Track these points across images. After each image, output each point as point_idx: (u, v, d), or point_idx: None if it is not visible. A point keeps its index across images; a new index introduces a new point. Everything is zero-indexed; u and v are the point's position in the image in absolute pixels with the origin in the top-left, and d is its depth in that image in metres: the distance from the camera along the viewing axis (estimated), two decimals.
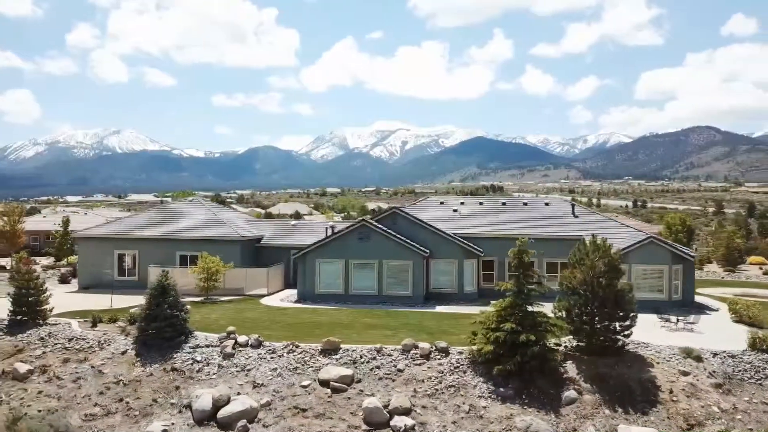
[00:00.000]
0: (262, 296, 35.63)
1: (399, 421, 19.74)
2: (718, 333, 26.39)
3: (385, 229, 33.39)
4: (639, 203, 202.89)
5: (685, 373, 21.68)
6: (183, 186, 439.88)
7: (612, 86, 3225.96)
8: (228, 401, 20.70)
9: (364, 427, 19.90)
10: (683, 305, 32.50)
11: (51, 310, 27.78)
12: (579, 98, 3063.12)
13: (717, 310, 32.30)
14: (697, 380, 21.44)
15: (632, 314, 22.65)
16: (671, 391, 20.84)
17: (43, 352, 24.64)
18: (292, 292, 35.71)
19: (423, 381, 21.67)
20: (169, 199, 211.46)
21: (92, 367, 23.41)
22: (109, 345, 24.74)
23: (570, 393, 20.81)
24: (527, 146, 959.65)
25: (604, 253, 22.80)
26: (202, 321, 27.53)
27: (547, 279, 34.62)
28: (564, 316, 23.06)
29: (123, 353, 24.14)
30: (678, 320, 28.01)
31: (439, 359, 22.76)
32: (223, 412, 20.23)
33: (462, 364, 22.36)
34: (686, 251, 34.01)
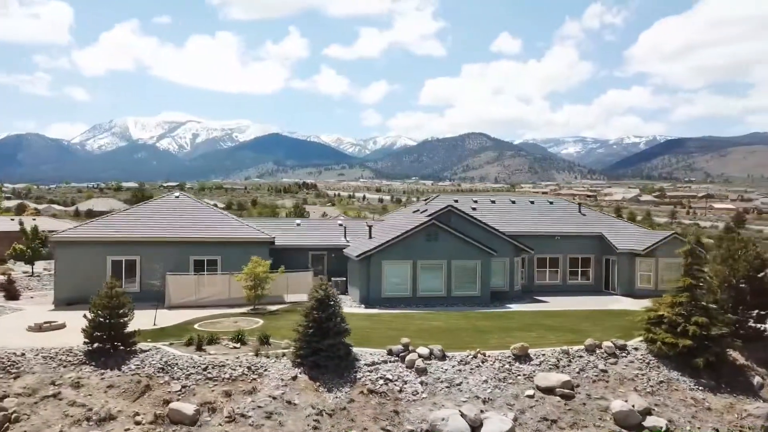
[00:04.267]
0: (302, 303, 32.18)
1: (650, 421, 19.78)
2: None
3: (454, 228, 32.44)
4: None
5: None
6: None
7: (400, 91, 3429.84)
8: (481, 420, 18.77)
9: (616, 429, 19.57)
10: None
11: (138, 333, 22.22)
12: (370, 101, 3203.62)
13: None
14: None
15: None
16: None
17: (184, 387, 19.70)
18: (343, 297, 32.92)
19: (632, 379, 21.89)
20: None
21: (273, 398, 19.35)
22: (265, 370, 20.61)
23: (758, 379, 22.73)
24: (322, 145, 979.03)
25: (754, 249, 25.19)
26: None
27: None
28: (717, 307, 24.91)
29: (293, 378, 20.33)
30: None
31: (624, 357, 23.13)
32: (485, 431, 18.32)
33: (650, 361, 23.01)
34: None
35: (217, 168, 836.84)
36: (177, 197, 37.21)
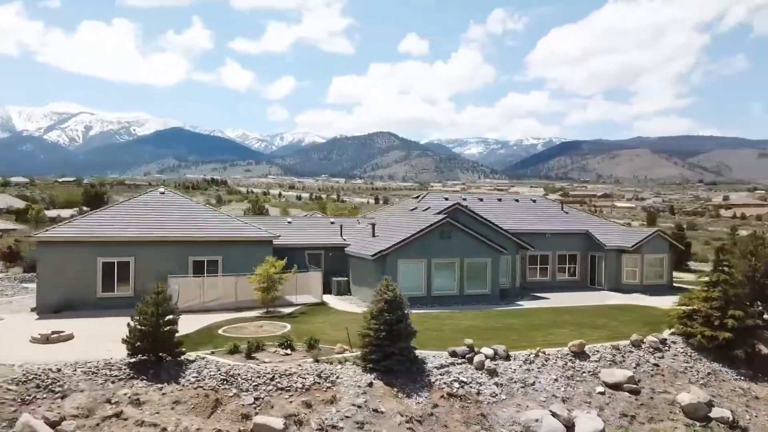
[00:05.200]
0: (317, 304, 30.96)
1: (717, 412, 20.51)
2: None
3: (466, 226, 32.24)
4: (381, 199, 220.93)
5: None
6: None
7: (308, 88, 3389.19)
8: (573, 421, 18.65)
9: (688, 421, 20.14)
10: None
11: (182, 343, 20.27)
12: (277, 96, 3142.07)
13: None
14: None
15: None
16: None
17: (257, 399, 18.15)
18: (342, 298, 32.28)
19: (683, 372, 22.63)
20: None
21: (357, 406, 18.25)
22: (337, 378, 19.42)
23: None
24: (227, 140, 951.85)
25: None
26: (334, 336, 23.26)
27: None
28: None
29: (369, 385, 19.29)
30: None
31: (667, 351, 23.89)
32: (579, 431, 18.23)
33: (691, 353, 23.90)
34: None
35: (114, 163, 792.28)
36: (162, 193, 34.46)
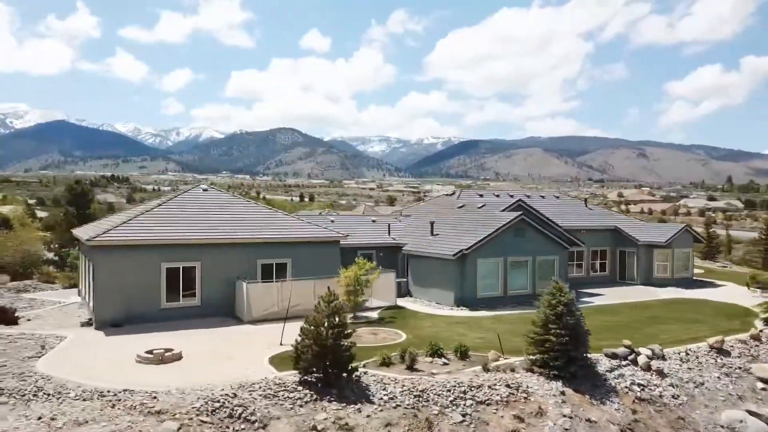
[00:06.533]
0: (393, 307, 29.18)
1: None
2: None
3: (537, 223, 31.61)
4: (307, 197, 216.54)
5: None
6: None
7: (205, 81, 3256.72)
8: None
9: None
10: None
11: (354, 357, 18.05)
12: (172, 89, 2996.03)
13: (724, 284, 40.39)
14: None
15: None
16: None
17: (465, 415, 16.44)
18: (412, 299, 30.95)
19: None
20: None
21: (569, 417, 16.99)
22: (528, 387, 18.05)
23: None
24: (118, 134, 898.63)
25: None
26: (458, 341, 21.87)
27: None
28: None
29: (563, 393, 18.08)
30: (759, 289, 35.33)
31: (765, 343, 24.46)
32: None
33: None
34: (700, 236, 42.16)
35: None
36: (205, 190, 31.12)
